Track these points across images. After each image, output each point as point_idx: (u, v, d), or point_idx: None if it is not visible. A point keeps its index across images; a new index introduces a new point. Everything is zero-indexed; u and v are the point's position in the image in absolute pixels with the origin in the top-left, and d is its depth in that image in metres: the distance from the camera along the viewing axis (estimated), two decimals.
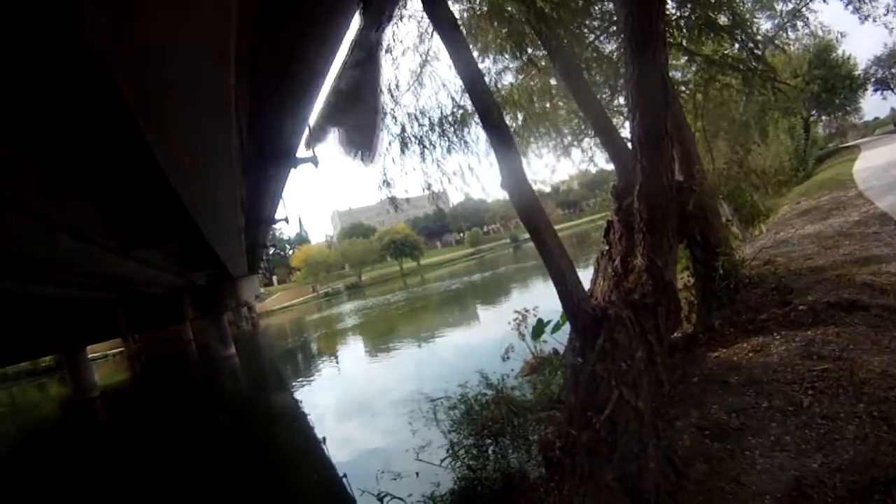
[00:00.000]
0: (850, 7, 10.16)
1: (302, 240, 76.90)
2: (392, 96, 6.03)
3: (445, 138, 6.31)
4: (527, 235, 4.83)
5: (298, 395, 12.79)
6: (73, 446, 13.71)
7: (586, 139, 9.58)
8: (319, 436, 8.40)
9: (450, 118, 6.36)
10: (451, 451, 4.93)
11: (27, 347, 17.45)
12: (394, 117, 6.07)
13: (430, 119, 6.28)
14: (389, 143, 6.08)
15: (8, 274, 7.70)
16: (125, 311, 17.85)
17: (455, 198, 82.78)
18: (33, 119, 4.89)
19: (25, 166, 5.31)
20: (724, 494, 2.92)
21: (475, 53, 5.92)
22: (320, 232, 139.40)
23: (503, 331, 6.95)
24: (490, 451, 4.72)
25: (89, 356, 18.97)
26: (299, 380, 15.06)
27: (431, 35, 6.07)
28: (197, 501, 7.64)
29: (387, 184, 6.28)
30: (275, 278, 68.11)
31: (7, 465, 13.06)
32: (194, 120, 4.59)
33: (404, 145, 6.10)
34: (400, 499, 4.58)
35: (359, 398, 9.66)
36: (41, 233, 5.81)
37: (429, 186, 6.27)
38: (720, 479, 3.03)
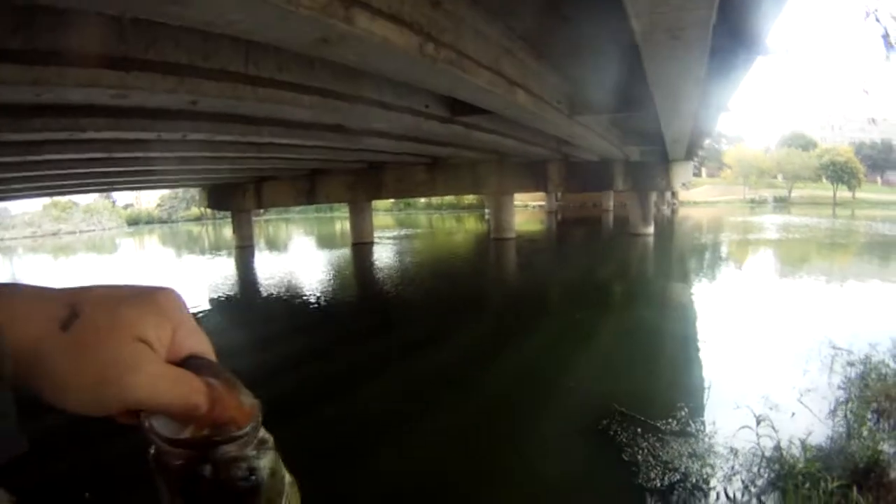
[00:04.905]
0: None
1: (738, 137, 70.29)
2: None
3: None
4: None
5: (697, 289, 12.37)
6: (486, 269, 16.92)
7: None
8: (700, 335, 8.07)
9: None
10: (832, 409, 4.69)
11: (460, 185, 20.64)
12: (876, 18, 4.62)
13: None
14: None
15: (459, 121, 8.98)
16: (556, 169, 19.35)
17: None
18: None
19: (491, 32, 5.89)
20: None
21: None
22: (757, 133, 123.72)
23: None
24: (868, 426, 4.21)
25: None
26: (702, 276, 14.49)
27: None
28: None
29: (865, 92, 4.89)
30: (704, 170, 64.96)
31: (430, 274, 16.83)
32: None
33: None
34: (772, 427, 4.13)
35: (751, 315, 8.67)
36: (501, 87, 6.50)
37: None
38: None
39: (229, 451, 0.40)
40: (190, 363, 0.41)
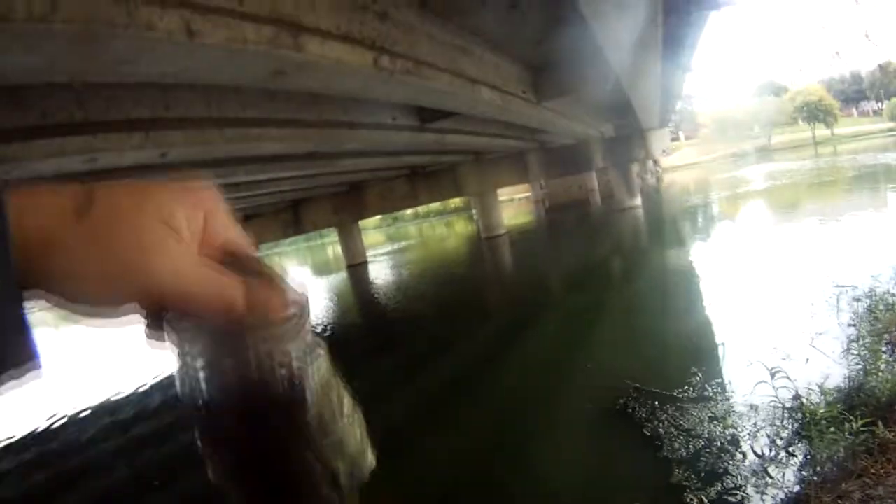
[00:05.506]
0: None
1: (709, 96, 71.27)
2: None
3: None
4: None
5: (693, 252, 12.37)
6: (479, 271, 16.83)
7: None
8: (706, 299, 8.08)
9: None
10: (845, 348, 4.54)
11: (442, 191, 20.68)
12: None
13: None
14: None
15: (429, 128, 9.01)
16: (535, 158, 19.39)
17: (873, 60, 63.76)
18: None
19: (444, 35, 5.93)
20: None
21: None
22: (729, 88, 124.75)
23: None
24: (883, 359, 4.07)
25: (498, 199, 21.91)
26: (696, 238, 14.53)
27: None
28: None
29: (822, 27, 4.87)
30: (681, 133, 65.42)
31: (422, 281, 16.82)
32: None
33: None
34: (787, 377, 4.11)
35: (752, 267, 8.68)
36: (463, 87, 6.52)
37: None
38: None
39: (263, 341, 0.32)
40: (225, 257, 0.34)
